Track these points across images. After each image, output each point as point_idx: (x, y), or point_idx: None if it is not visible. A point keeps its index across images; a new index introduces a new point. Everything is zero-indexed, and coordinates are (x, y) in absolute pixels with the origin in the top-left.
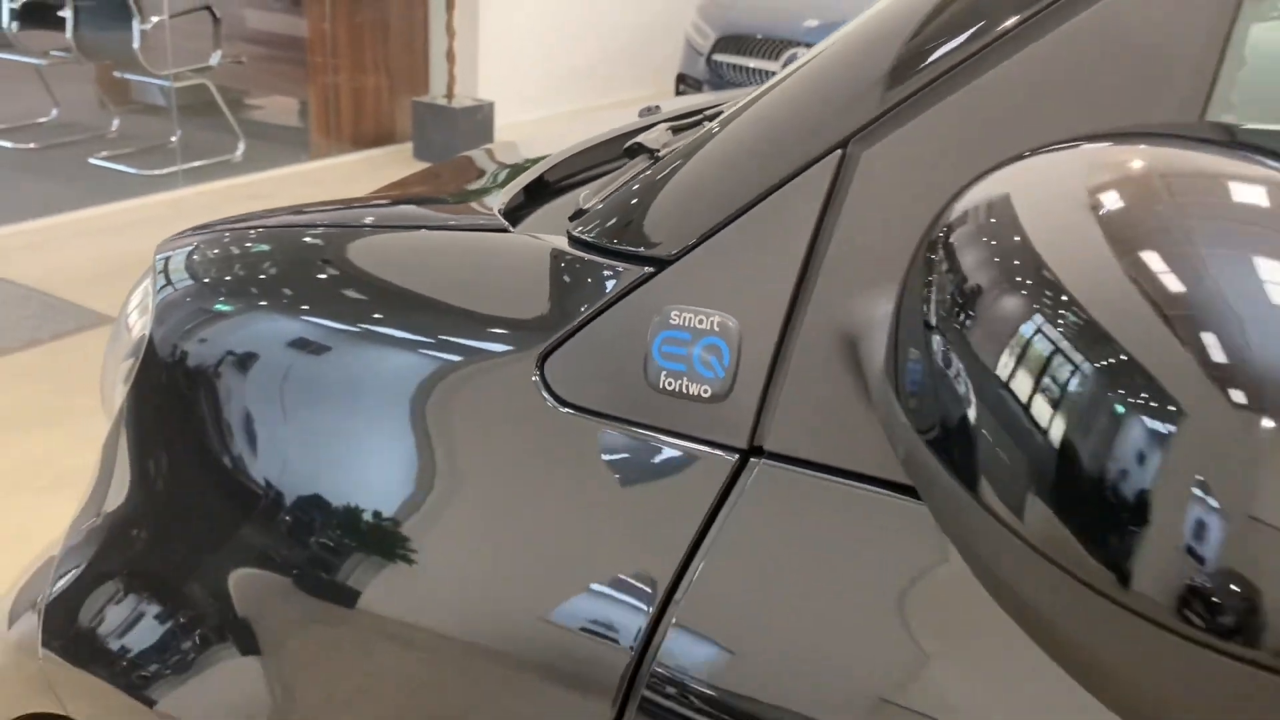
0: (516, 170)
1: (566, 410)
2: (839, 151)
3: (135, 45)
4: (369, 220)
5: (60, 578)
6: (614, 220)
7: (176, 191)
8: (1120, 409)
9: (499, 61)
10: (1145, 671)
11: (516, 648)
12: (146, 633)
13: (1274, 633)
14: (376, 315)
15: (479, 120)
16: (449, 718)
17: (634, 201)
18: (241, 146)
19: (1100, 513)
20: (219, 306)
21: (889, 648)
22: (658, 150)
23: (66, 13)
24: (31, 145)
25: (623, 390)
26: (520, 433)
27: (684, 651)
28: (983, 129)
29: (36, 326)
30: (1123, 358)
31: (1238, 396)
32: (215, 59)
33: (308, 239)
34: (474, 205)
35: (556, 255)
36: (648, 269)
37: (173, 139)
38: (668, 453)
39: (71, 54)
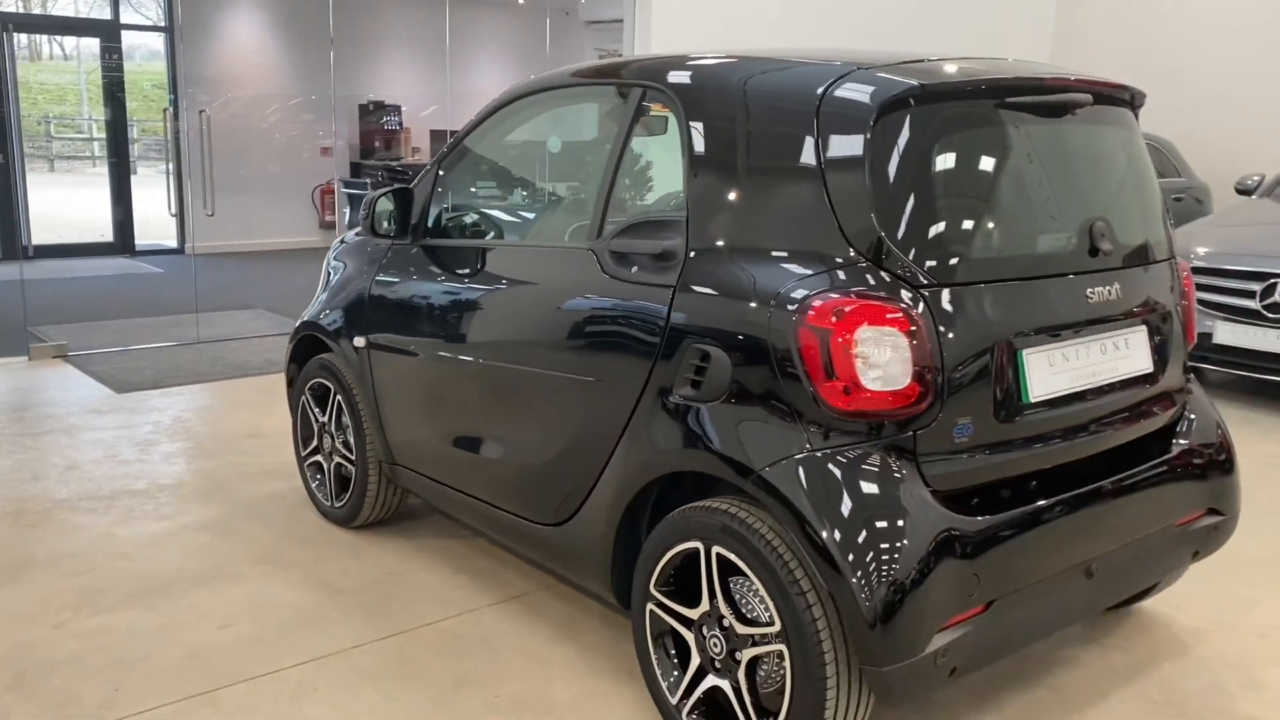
0: None
1: (391, 240)
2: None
3: None
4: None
5: (307, 314)
6: None
7: None
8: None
9: None
10: None
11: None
12: (337, 320)
13: None
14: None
15: None
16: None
17: None
18: None
19: None
20: (348, 239)
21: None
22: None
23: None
24: None
25: (379, 232)
26: (373, 248)
27: (381, 293)
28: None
29: None
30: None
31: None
32: None
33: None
34: None
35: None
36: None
37: None
38: (387, 245)
39: None
